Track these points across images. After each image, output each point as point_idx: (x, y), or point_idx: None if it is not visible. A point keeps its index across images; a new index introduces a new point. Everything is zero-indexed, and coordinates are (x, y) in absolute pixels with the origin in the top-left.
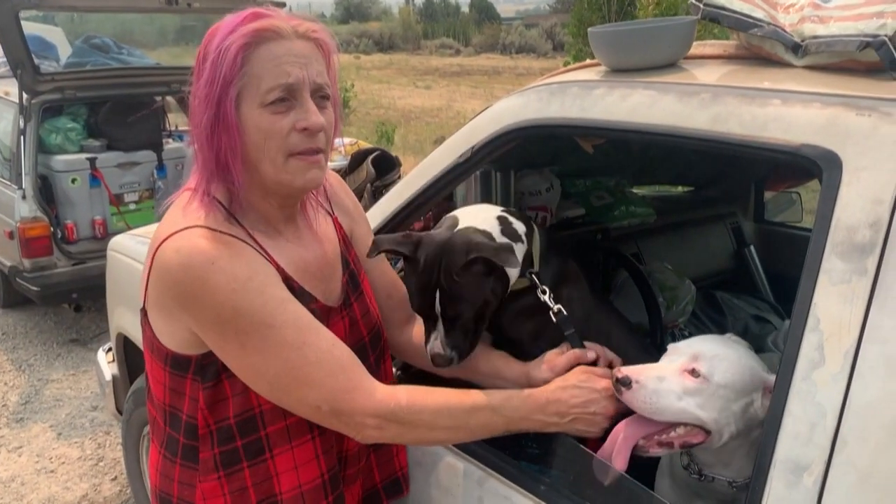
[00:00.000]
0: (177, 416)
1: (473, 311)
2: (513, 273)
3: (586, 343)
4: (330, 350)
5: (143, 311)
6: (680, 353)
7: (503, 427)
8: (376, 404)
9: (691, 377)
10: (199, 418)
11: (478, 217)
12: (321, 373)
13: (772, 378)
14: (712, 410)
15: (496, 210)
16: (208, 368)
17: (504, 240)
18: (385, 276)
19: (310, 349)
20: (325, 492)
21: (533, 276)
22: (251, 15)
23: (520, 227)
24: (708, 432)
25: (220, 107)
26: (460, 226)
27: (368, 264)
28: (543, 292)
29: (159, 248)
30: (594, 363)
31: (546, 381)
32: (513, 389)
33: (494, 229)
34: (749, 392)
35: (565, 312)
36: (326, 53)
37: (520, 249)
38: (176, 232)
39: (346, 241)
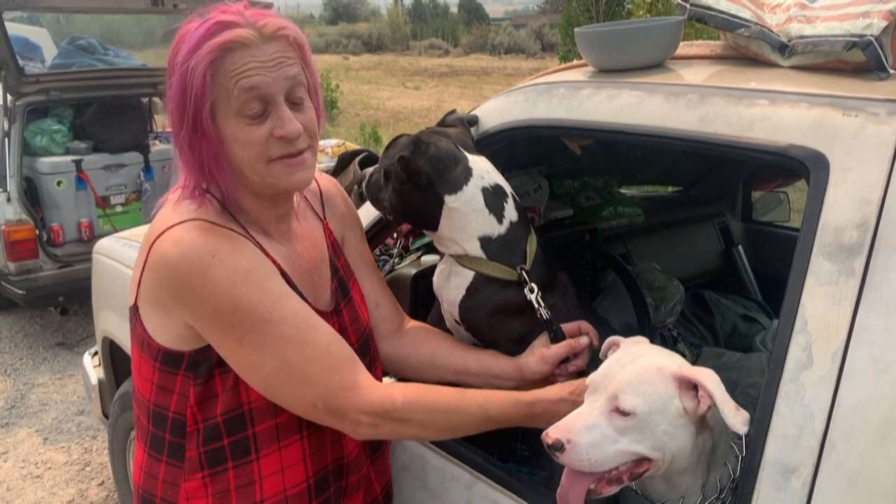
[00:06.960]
0: (162, 413)
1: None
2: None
3: (577, 324)
4: (328, 347)
5: (134, 309)
6: (600, 390)
7: (494, 426)
8: (372, 403)
9: (620, 415)
10: (188, 415)
11: (492, 170)
12: (318, 370)
13: (681, 369)
14: (648, 439)
15: (508, 186)
16: (202, 364)
17: (483, 184)
18: (375, 285)
19: (307, 346)
20: (310, 496)
21: (523, 272)
22: (215, 25)
23: (511, 212)
24: (650, 459)
25: (196, 121)
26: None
27: (360, 273)
28: (532, 290)
29: (155, 243)
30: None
31: (541, 373)
32: (507, 393)
33: (491, 182)
34: (671, 400)
35: (549, 316)
36: (299, 47)
37: (489, 222)
38: (173, 225)
39: (335, 246)
